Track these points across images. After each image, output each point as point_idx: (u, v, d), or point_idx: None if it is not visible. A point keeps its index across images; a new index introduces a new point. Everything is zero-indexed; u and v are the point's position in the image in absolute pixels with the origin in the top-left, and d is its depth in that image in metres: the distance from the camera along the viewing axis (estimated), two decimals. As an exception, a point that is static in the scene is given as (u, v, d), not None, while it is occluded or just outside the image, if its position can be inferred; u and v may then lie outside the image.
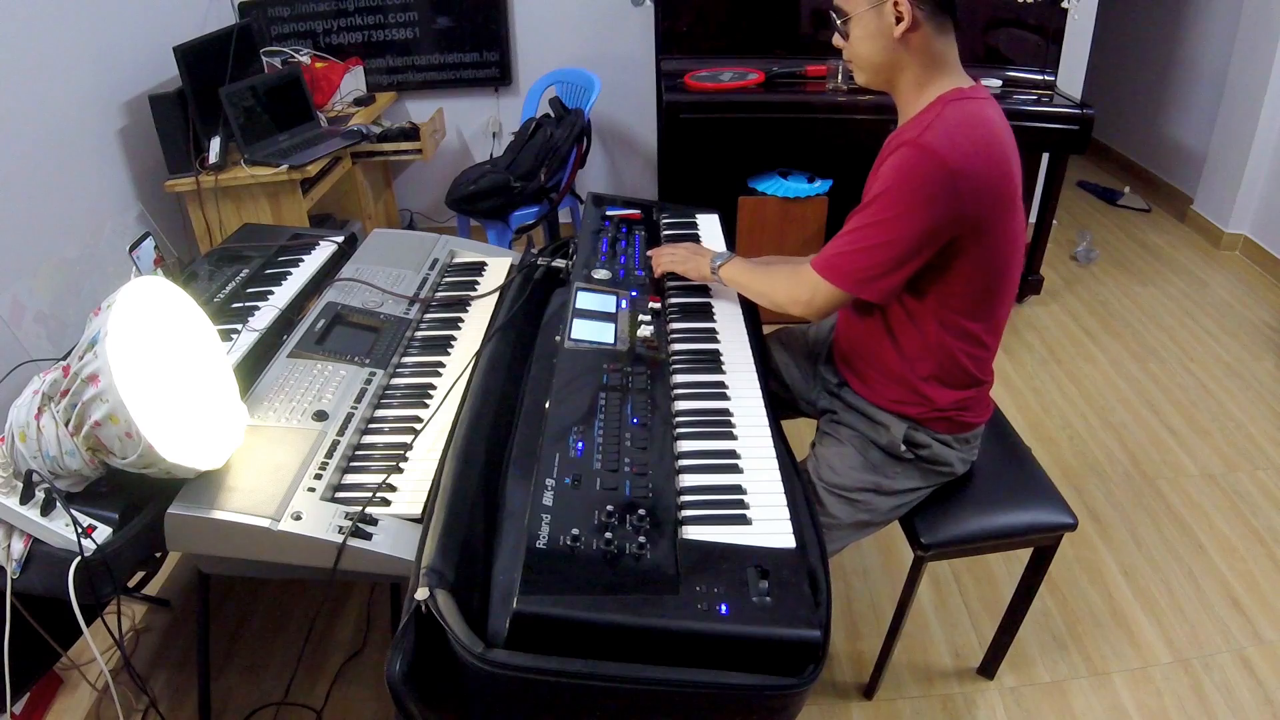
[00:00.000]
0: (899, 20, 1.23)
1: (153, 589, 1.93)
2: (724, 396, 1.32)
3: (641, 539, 0.99)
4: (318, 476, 1.19)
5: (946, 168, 1.17)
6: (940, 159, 1.17)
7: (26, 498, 1.11)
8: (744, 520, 1.08)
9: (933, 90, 1.28)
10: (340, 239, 1.93)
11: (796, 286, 1.37)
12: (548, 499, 1.04)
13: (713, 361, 1.41)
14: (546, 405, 1.22)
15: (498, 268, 1.84)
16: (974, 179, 1.19)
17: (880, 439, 1.43)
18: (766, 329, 1.60)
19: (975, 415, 1.44)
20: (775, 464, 1.18)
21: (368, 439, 1.33)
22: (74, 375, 1.09)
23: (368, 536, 1.11)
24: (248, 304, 1.64)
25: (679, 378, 1.35)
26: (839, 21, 1.31)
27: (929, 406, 1.39)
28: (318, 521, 1.12)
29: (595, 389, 1.25)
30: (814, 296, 1.34)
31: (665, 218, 1.89)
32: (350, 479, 1.24)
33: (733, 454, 1.20)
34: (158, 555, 1.63)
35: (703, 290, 1.62)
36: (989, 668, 1.74)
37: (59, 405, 1.11)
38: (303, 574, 1.15)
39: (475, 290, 1.75)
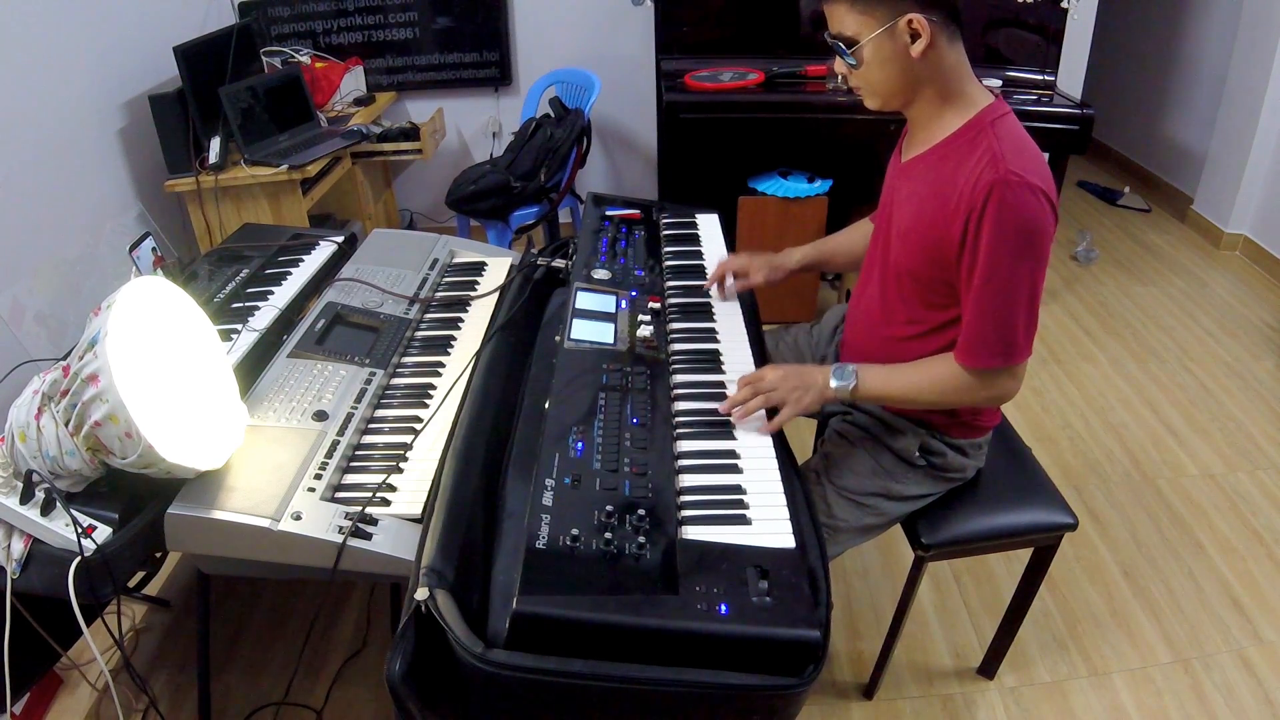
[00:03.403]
0: (914, 38, 1.15)
1: (153, 589, 1.93)
2: (724, 397, 1.31)
3: (641, 539, 0.99)
4: (318, 476, 1.19)
5: (1047, 196, 1.13)
6: (1041, 191, 1.12)
7: (26, 498, 1.11)
8: (744, 520, 1.08)
9: (957, 106, 1.21)
10: (340, 239, 1.93)
11: (958, 381, 1.24)
12: (547, 499, 1.04)
13: (713, 361, 1.41)
14: (546, 405, 1.22)
15: (498, 268, 1.84)
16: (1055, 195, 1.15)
17: (895, 444, 1.41)
18: (766, 329, 1.60)
19: (989, 418, 1.43)
20: (775, 464, 1.18)
21: (368, 439, 1.33)
22: (74, 375, 1.09)
23: (368, 536, 1.11)
24: (248, 304, 1.65)
25: (679, 378, 1.35)
26: (843, 49, 1.20)
27: (947, 414, 1.38)
28: (318, 521, 1.12)
29: (595, 389, 1.25)
30: (991, 389, 1.23)
31: (665, 218, 1.89)
32: (350, 479, 1.24)
33: (732, 454, 1.20)
34: (158, 555, 1.63)
35: (702, 290, 1.62)
36: (989, 668, 1.74)
37: (59, 405, 1.11)
38: (303, 574, 1.15)
39: (475, 290, 1.75)
